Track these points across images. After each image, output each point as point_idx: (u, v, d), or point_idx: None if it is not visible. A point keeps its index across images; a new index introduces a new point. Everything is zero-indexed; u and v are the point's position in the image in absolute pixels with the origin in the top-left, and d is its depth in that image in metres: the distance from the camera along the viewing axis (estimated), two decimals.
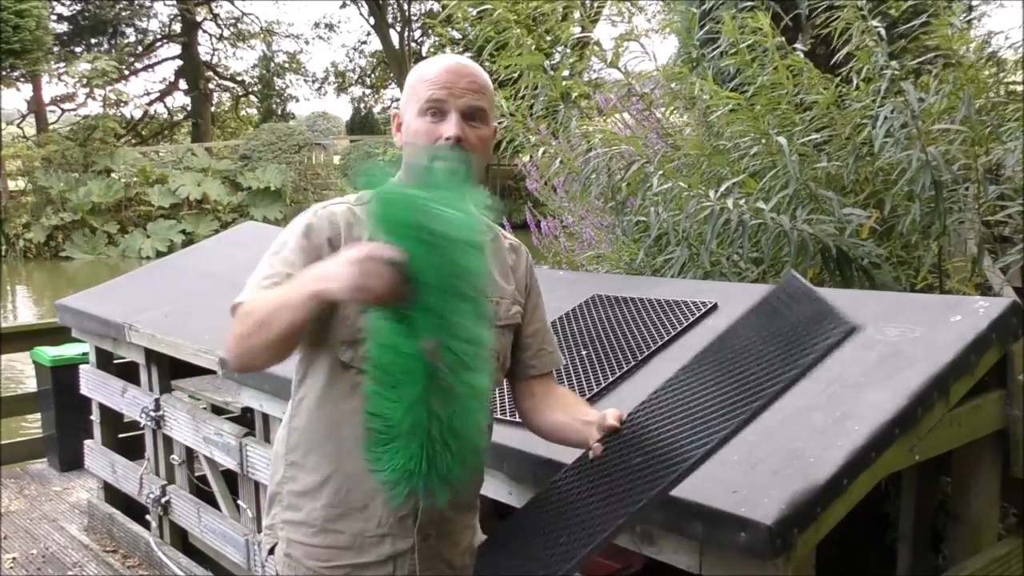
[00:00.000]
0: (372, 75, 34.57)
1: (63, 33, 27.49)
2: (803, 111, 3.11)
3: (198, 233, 19.42)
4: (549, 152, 3.72)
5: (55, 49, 25.16)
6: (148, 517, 3.84)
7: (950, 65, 2.88)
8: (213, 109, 31.98)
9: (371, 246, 1.30)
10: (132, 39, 30.56)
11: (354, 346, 1.53)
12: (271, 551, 1.70)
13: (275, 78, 32.76)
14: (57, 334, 4.89)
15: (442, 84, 1.60)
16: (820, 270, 2.79)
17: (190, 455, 3.59)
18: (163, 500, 3.66)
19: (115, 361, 4.10)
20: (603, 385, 2.13)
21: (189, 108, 31.29)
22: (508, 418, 2.01)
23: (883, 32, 2.87)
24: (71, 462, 5.03)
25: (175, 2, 29.49)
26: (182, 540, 3.73)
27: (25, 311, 15.52)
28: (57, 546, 4.19)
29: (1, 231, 19.68)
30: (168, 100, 31.93)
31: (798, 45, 3.23)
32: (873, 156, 2.88)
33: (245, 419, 3.39)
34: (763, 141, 2.99)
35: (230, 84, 33.53)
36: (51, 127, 24.56)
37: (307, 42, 33.97)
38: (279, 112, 31.80)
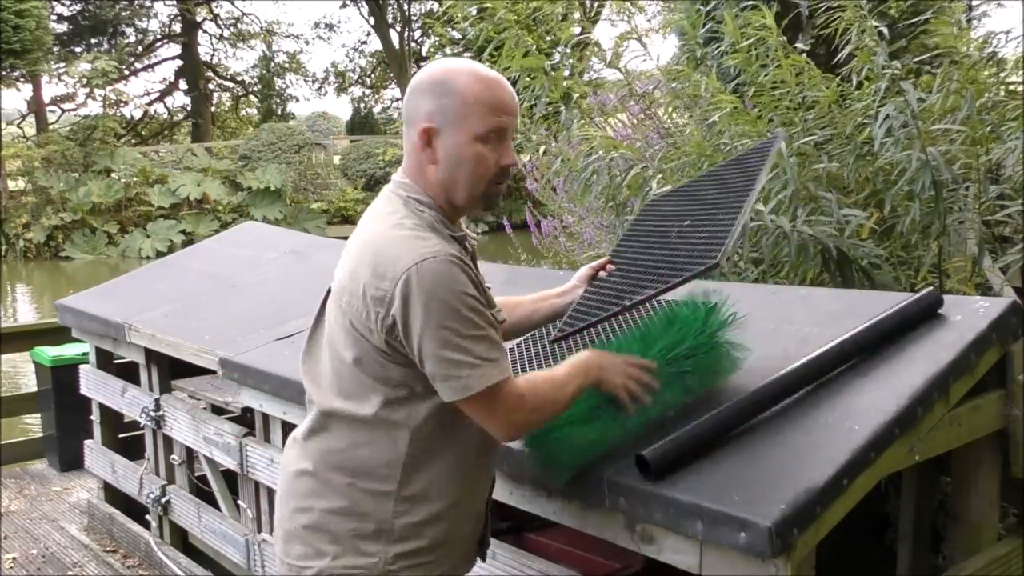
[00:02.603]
0: (372, 75, 34.58)
1: (63, 33, 27.49)
2: (805, 110, 3.11)
3: (198, 233, 19.42)
4: (550, 152, 3.73)
5: (55, 49, 25.17)
6: (148, 517, 3.84)
7: (953, 64, 2.88)
8: (213, 109, 31.98)
9: (649, 364, 1.74)
10: (132, 39, 30.57)
11: None
12: None
13: (275, 78, 32.76)
14: (57, 334, 4.89)
15: (507, 109, 1.59)
16: (820, 271, 2.79)
17: (190, 455, 3.59)
18: (163, 500, 3.66)
19: (115, 361, 4.10)
20: None
21: (189, 108, 31.29)
22: None
23: (885, 31, 2.87)
24: (71, 462, 5.03)
25: (175, 2, 29.49)
26: (182, 540, 3.73)
27: (25, 311, 15.52)
28: (57, 546, 4.19)
29: (1, 231, 19.69)
30: (168, 100, 31.96)
31: (799, 44, 3.23)
32: (874, 156, 2.88)
33: (245, 419, 3.39)
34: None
35: (230, 84, 33.54)
36: (51, 127, 24.56)
37: (307, 42, 34.03)
38: (279, 112, 31.80)
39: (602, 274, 2.01)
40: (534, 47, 3.52)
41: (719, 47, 3.36)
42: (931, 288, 2.10)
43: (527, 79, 3.55)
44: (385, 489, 1.63)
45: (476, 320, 1.53)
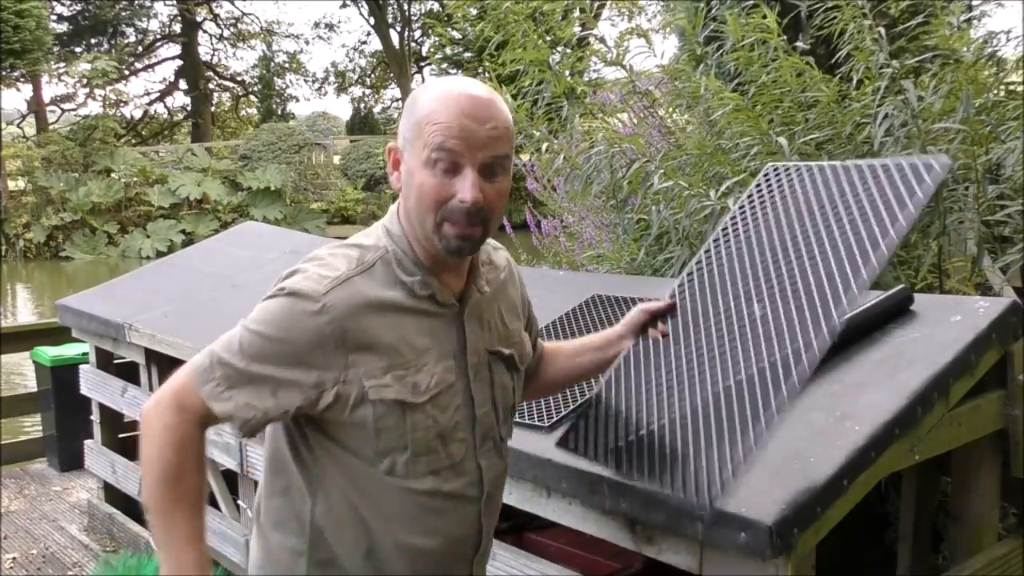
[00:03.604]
0: (372, 75, 34.60)
1: (63, 33, 27.50)
2: (806, 109, 3.11)
3: (198, 233, 19.43)
4: (552, 150, 3.73)
5: (55, 49, 25.18)
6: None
7: (947, 64, 2.88)
8: (213, 109, 32.00)
9: None
10: (132, 39, 30.61)
11: (392, 454, 1.37)
12: None
13: (275, 78, 32.78)
14: (57, 334, 4.89)
15: (457, 133, 1.30)
16: None
17: None
18: None
19: (115, 361, 4.10)
20: (603, 385, 2.13)
21: (189, 108, 31.32)
22: None
23: (883, 32, 2.87)
24: (71, 462, 5.03)
25: (175, 2, 29.51)
26: None
27: (25, 311, 15.52)
28: (57, 546, 4.19)
29: (1, 231, 19.69)
30: (168, 100, 32.01)
31: (799, 44, 3.23)
32: (873, 155, 2.88)
33: None
34: (764, 140, 2.99)
35: (230, 84, 33.56)
36: (51, 127, 24.58)
37: (307, 42, 34.12)
38: (279, 112, 31.82)
39: (655, 334, 1.65)
40: (539, 41, 3.52)
41: (720, 45, 3.36)
42: (903, 286, 2.11)
43: (534, 73, 3.54)
44: (297, 548, 1.43)
45: (260, 353, 1.33)
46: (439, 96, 1.34)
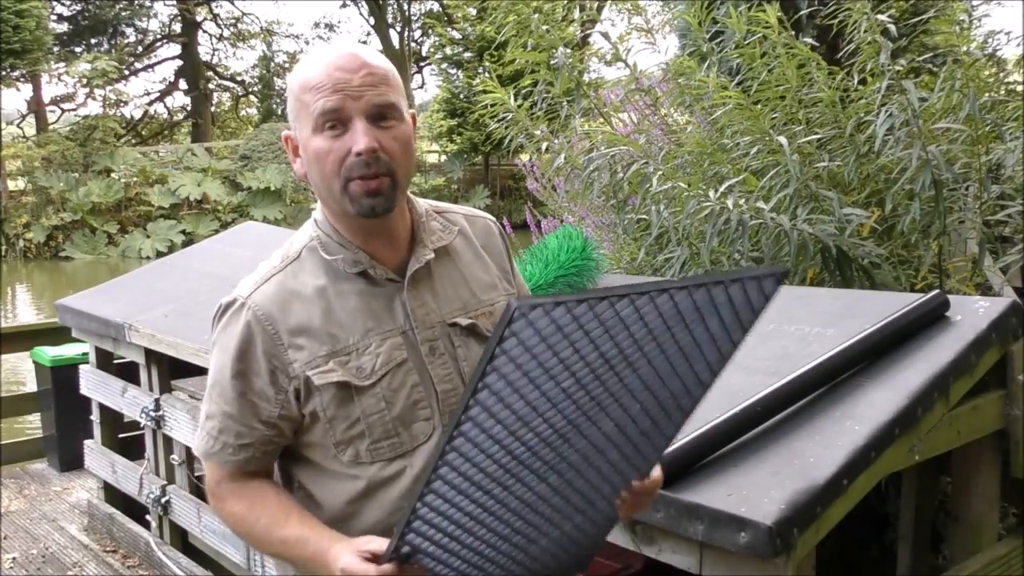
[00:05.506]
0: None
1: (63, 33, 27.47)
2: (808, 107, 3.11)
3: (198, 233, 19.41)
4: (553, 150, 3.72)
5: (55, 49, 25.16)
6: (148, 517, 3.84)
7: (957, 62, 2.88)
8: (213, 109, 31.96)
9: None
10: (132, 39, 30.57)
11: (353, 443, 1.36)
12: None
13: (275, 78, 32.74)
14: (57, 334, 4.89)
15: (333, 87, 1.29)
16: (820, 270, 2.79)
17: (190, 455, 3.59)
18: (163, 500, 3.65)
19: (115, 361, 4.10)
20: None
21: (189, 108, 31.28)
22: None
23: (893, 28, 2.86)
24: (71, 462, 5.03)
25: (175, 2, 29.49)
26: (182, 540, 3.73)
27: (25, 311, 15.52)
28: (57, 546, 4.19)
29: (1, 231, 19.68)
30: (168, 100, 31.93)
31: (806, 40, 3.23)
32: (875, 154, 2.88)
33: None
34: (765, 139, 2.98)
35: (230, 84, 33.52)
36: (51, 127, 24.55)
37: (307, 42, 33.91)
38: (279, 112, 31.75)
39: None
40: (545, 31, 3.52)
41: (723, 42, 3.35)
42: (938, 291, 2.10)
43: (538, 73, 3.54)
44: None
45: (222, 386, 1.38)
46: (309, 64, 1.34)
